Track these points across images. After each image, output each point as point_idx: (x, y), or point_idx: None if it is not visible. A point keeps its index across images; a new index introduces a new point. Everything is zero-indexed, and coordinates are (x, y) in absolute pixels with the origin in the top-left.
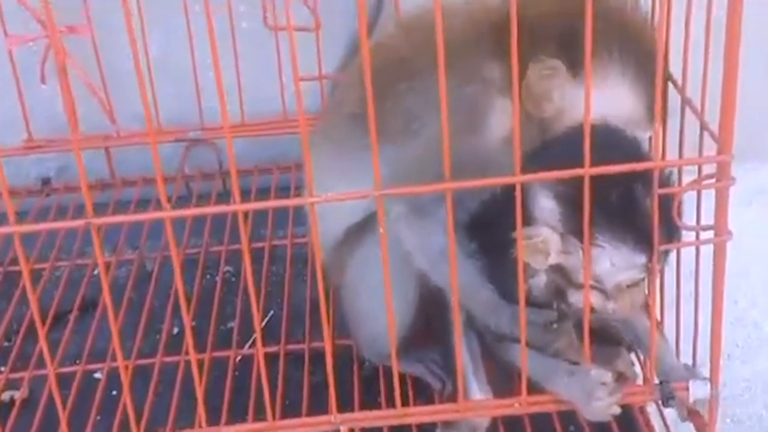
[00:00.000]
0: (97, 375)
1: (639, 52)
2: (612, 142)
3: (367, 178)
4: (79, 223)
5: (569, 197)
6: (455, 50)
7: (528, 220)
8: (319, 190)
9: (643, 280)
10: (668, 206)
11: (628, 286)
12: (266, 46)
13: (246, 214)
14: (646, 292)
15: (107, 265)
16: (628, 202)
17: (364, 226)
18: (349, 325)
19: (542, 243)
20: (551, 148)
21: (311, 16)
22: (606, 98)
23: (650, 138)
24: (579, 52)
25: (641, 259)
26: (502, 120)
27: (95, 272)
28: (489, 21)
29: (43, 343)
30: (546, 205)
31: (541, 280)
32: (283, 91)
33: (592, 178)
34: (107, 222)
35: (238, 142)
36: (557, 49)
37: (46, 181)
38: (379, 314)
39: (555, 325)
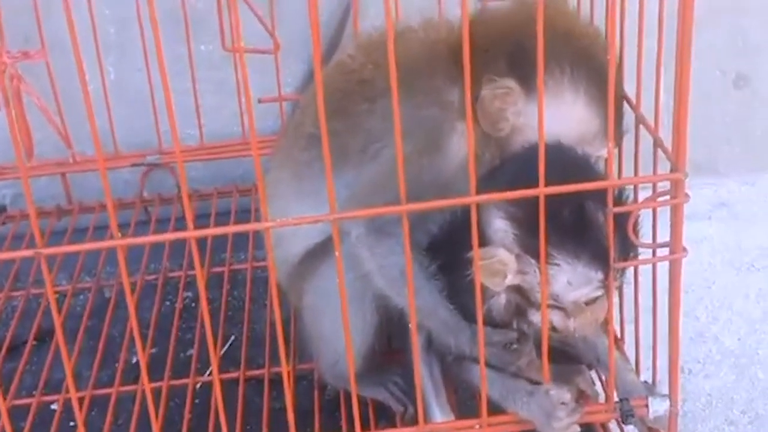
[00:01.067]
0: (54, 406)
1: (591, 68)
2: (565, 162)
3: (326, 200)
4: (28, 253)
5: (522, 217)
6: (414, 72)
7: (484, 242)
8: (278, 212)
9: (601, 296)
10: (623, 223)
11: (586, 303)
12: (225, 69)
13: (203, 239)
14: (605, 309)
15: (64, 293)
16: (582, 219)
17: (322, 249)
18: (310, 349)
19: (498, 264)
20: (505, 169)
21: (270, 38)
22: (561, 115)
23: (605, 156)
24: (530, 70)
25: (597, 275)
26: (461, 142)
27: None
28: (445, 42)
29: None
30: (500, 227)
31: (500, 301)
32: (242, 113)
33: (545, 197)
34: (57, 252)
35: (197, 165)
36: (508, 69)
37: (1, 209)
38: (339, 337)
39: (515, 345)
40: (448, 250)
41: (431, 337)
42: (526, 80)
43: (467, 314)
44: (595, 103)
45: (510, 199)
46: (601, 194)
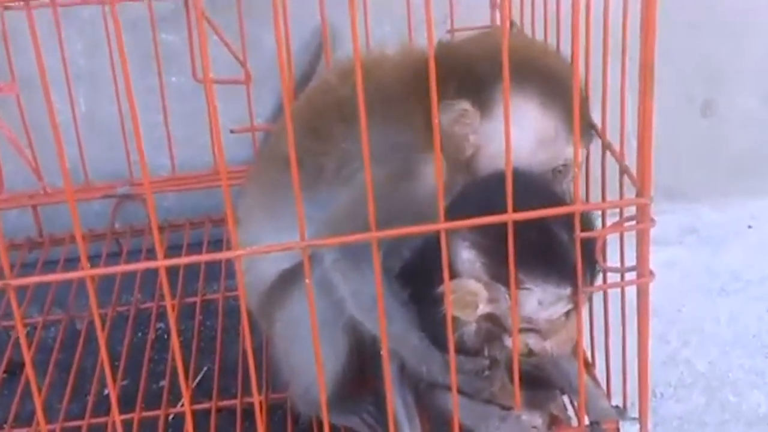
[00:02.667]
0: None
1: (545, 77)
2: (531, 187)
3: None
4: None
5: (488, 245)
6: (387, 98)
7: (453, 274)
8: (251, 238)
9: (571, 310)
10: (591, 248)
11: (558, 320)
12: (196, 100)
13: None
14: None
15: (35, 325)
16: (546, 240)
17: (292, 275)
18: (282, 376)
19: (469, 296)
20: (471, 196)
21: (241, 69)
22: (518, 128)
23: (568, 164)
24: (482, 90)
25: (566, 290)
26: (433, 168)
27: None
28: (413, 69)
29: None
30: (466, 257)
31: (471, 328)
32: (213, 144)
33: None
34: (26, 282)
35: (169, 195)
36: (460, 92)
37: None
38: (309, 364)
39: (487, 372)
40: (419, 277)
41: (404, 363)
42: (479, 100)
43: (439, 341)
44: (550, 108)
45: (475, 228)
46: (566, 217)
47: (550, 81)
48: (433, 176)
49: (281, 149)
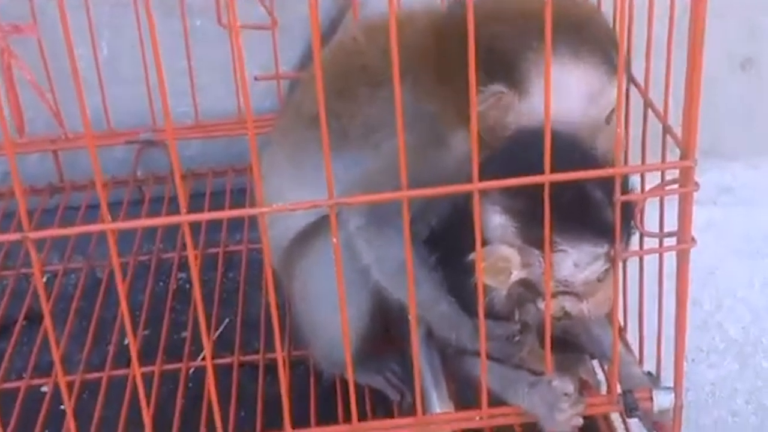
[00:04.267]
0: (44, 389)
1: (576, 34)
2: (568, 149)
3: (324, 183)
4: (14, 236)
5: (520, 209)
6: (415, 63)
7: (483, 241)
8: (274, 194)
9: (609, 270)
10: (627, 210)
11: (597, 280)
12: (221, 45)
13: (198, 221)
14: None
15: (55, 273)
16: (579, 199)
17: (315, 231)
18: (303, 336)
19: (502, 261)
20: (505, 157)
21: (267, 14)
22: (565, 93)
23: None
24: (512, 66)
25: (602, 248)
26: (461, 136)
27: (43, 280)
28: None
29: None
30: (498, 222)
31: (502, 292)
32: (238, 92)
33: (536, 184)
34: (45, 235)
35: (193, 143)
36: (490, 72)
37: None
38: (332, 323)
39: (517, 338)
40: (447, 242)
41: (431, 327)
42: (512, 78)
43: (468, 306)
44: (590, 62)
45: (505, 192)
46: (603, 180)
47: (583, 33)
48: (461, 145)
49: (307, 107)
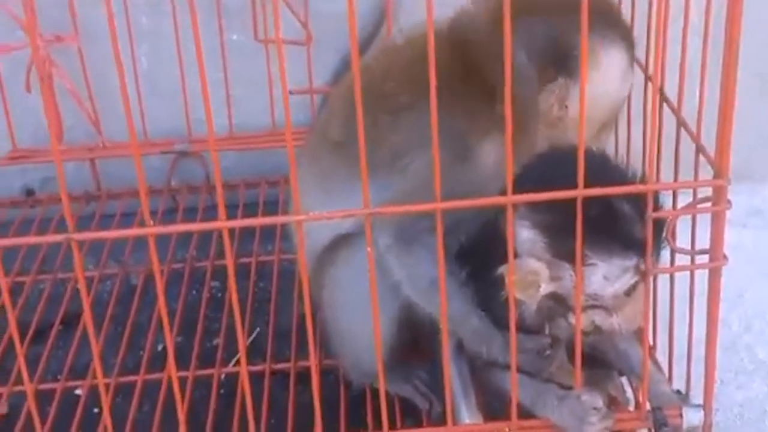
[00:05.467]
0: (78, 391)
1: (612, 18)
2: (599, 164)
3: (351, 204)
4: (59, 238)
5: (548, 223)
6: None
7: (513, 255)
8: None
9: (637, 284)
10: (658, 226)
11: (626, 294)
12: (256, 60)
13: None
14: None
15: (91, 279)
16: (607, 212)
17: (344, 243)
18: (332, 345)
19: (531, 275)
20: (535, 173)
21: (302, 29)
22: (611, 73)
23: (644, 160)
24: (566, 56)
25: (631, 261)
26: (491, 148)
27: (78, 286)
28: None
29: (21, 360)
30: (527, 236)
31: (532, 306)
32: (273, 105)
33: (575, 199)
34: (87, 238)
35: (227, 155)
36: (548, 65)
37: (30, 192)
38: (362, 333)
39: (548, 352)
40: (477, 257)
41: (462, 341)
42: (567, 68)
43: (498, 320)
44: (624, 44)
45: (534, 207)
46: (634, 196)
47: (614, 16)
48: (489, 158)
49: (333, 132)
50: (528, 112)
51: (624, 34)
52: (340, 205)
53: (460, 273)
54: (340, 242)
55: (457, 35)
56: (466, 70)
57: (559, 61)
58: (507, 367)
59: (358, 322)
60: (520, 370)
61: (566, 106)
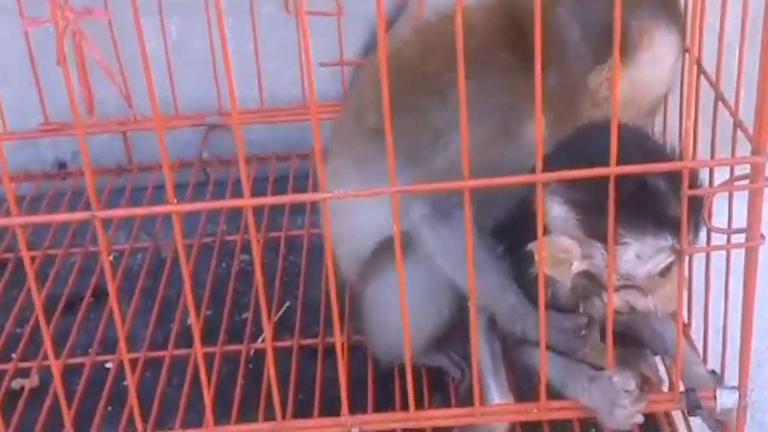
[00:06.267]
0: (108, 365)
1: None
2: (634, 141)
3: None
4: (83, 215)
5: (582, 201)
6: (480, 57)
7: (544, 232)
8: (344, 205)
9: (673, 264)
10: (695, 204)
11: (660, 274)
12: (288, 31)
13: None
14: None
15: (122, 252)
16: (640, 190)
17: (391, 247)
18: (365, 330)
19: (562, 253)
20: (568, 150)
21: (333, 0)
22: (668, 58)
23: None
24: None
25: (666, 241)
26: (534, 127)
27: (110, 259)
28: (507, 12)
29: (46, 338)
30: (559, 213)
31: (566, 285)
32: (303, 77)
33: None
34: (112, 215)
35: (257, 128)
36: (596, 46)
37: (62, 165)
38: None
39: (584, 331)
40: (513, 233)
41: (493, 317)
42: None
43: (533, 297)
44: (679, 29)
45: (567, 183)
46: (670, 173)
47: (667, 3)
48: (533, 136)
49: (369, 121)
50: (576, 91)
51: (677, 16)
52: (380, 197)
53: (497, 248)
54: (387, 246)
55: (506, 9)
56: (514, 45)
57: (604, 42)
58: (539, 345)
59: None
60: (553, 349)
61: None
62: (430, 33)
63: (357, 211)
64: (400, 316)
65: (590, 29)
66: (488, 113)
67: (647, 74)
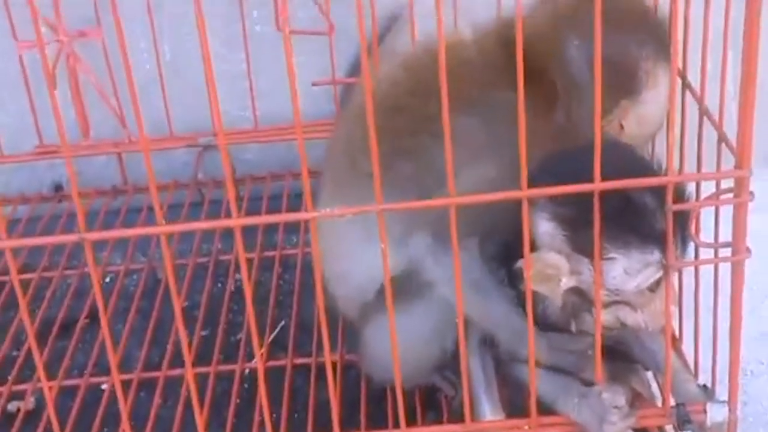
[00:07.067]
0: (103, 386)
1: (665, 41)
2: (619, 157)
3: (393, 238)
4: (72, 238)
5: (569, 216)
6: (481, 97)
7: (532, 248)
8: (341, 250)
9: (662, 278)
10: (681, 219)
11: (650, 289)
12: (280, 50)
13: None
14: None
15: (117, 273)
16: (626, 205)
17: (400, 287)
18: (361, 355)
19: (550, 269)
20: (554, 166)
21: (325, 20)
22: (662, 96)
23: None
24: (628, 79)
25: (652, 255)
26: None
27: (106, 280)
28: (501, 59)
29: (39, 364)
30: (546, 229)
31: (556, 302)
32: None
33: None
34: (102, 237)
35: (252, 147)
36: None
37: (58, 187)
38: (407, 365)
39: (590, 352)
40: (509, 256)
41: (487, 333)
42: (627, 90)
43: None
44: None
45: (554, 199)
46: (656, 188)
47: (662, 30)
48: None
49: (363, 165)
50: (584, 129)
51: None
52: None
53: (498, 273)
54: (396, 286)
55: (502, 42)
56: (514, 82)
57: (625, 85)
58: (550, 367)
59: (407, 359)
60: (544, 366)
61: (622, 125)
62: (422, 71)
63: (357, 257)
64: (404, 351)
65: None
66: (495, 151)
67: (652, 109)
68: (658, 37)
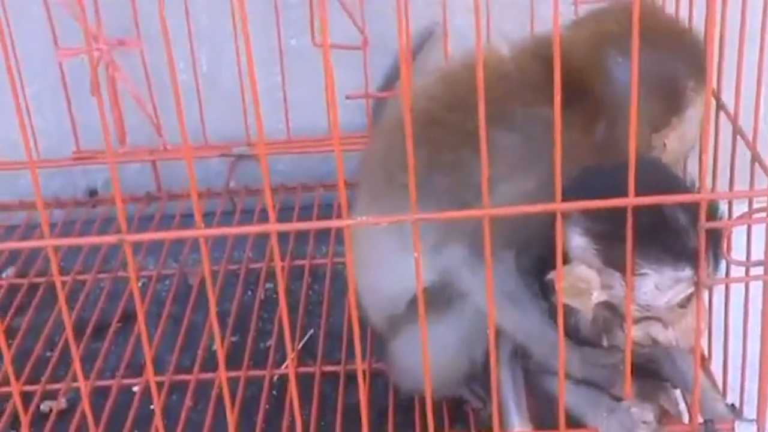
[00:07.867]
0: (135, 388)
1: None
2: (653, 174)
3: (427, 249)
4: (112, 239)
5: (601, 231)
6: (521, 114)
7: (565, 261)
8: (374, 260)
9: (692, 296)
10: (714, 237)
11: (680, 306)
12: (315, 63)
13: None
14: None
15: (150, 278)
16: (659, 221)
17: (431, 300)
18: (389, 365)
19: (582, 282)
20: (588, 180)
21: (359, 33)
22: (699, 115)
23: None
24: (675, 94)
25: (684, 272)
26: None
27: (139, 285)
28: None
29: (76, 360)
30: (579, 243)
31: (587, 316)
32: (329, 109)
33: (618, 207)
34: (141, 239)
35: (284, 158)
36: (657, 104)
37: (93, 193)
38: (435, 373)
39: (622, 366)
40: (544, 270)
41: (518, 345)
42: (674, 106)
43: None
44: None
45: (587, 213)
46: (689, 206)
47: (702, 56)
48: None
49: (401, 177)
50: (625, 147)
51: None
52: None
53: (533, 286)
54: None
55: (542, 61)
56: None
57: (675, 102)
58: (582, 381)
59: (436, 370)
60: (573, 378)
61: (665, 143)
62: (460, 85)
63: (390, 267)
64: (434, 362)
65: (650, 93)
66: (533, 166)
67: (691, 127)
68: (697, 56)
